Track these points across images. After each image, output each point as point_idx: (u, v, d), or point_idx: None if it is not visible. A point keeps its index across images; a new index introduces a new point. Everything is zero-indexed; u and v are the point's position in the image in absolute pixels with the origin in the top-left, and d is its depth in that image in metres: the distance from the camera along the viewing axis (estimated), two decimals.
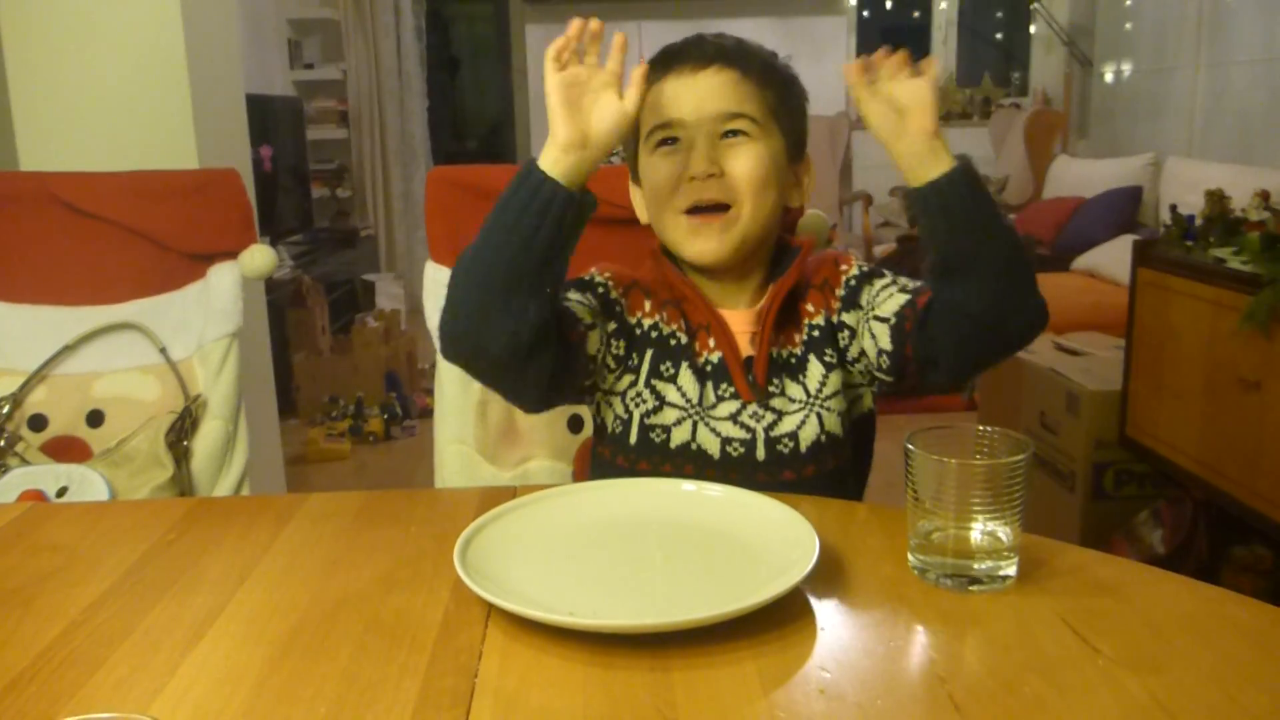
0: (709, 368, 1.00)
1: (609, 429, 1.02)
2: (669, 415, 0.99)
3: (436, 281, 1.29)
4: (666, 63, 1.01)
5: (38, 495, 1.22)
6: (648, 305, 1.03)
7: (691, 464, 0.98)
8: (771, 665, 0.65)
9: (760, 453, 0.97)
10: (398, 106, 5.40)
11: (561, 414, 1.28)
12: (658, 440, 0.99)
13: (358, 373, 3.75)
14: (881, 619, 0.71)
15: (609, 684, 0.64)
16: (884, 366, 0.99)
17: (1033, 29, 5.57)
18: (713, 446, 0.98)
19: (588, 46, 0.92)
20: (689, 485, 0.90)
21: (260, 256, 1.42)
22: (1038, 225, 4.35)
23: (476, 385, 1.26)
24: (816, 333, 1.01)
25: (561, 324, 0.93)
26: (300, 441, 3.39)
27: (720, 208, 0.98)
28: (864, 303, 1.01)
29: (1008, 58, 6.11)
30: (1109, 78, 4.80)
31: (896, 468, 0.86)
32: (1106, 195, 4.13)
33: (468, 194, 1.28)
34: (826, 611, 0.72)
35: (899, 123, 0.88)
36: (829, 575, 0.76)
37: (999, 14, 6.26)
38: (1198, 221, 2.18)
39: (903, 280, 1.01)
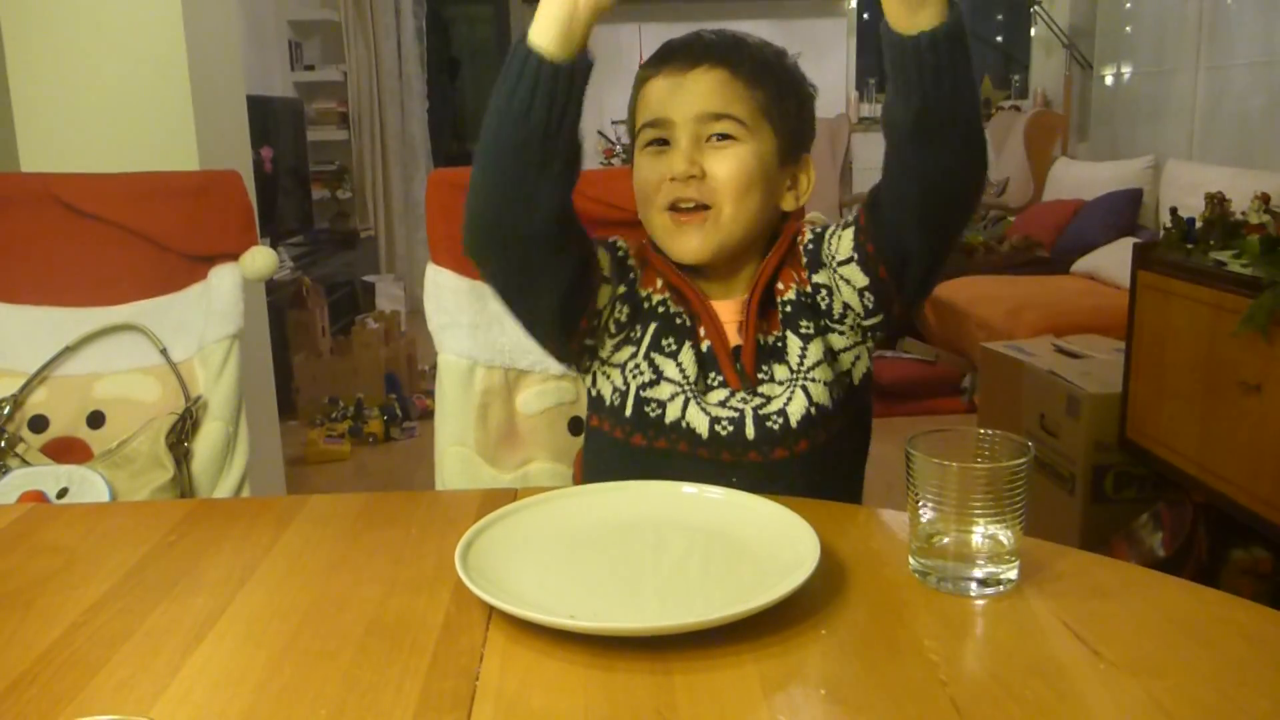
0: (701, 356, 1.01)
1: (607, 401, 1.03)
2: (664, 390, 1.00)
3: (437, 283, 1.29)
4: (660, 61, 1.01)
5: (38, 496, 1.22)
6: (659, 283, 1.04)
7: (684, 441, 0.99)
8: (773, 668, 0.65)
9: (750, 430, 0.98)
10: (398, 108, 5.40)
11: (561, 416, 1.28)
12: (652, 415, 1.00)
13: (358, 374, 3.75)
14: (883, 622, 0.71)
15: (610, 686, 0.64)
16: (870, 306, 0.98)
17: (1033, 31, 5.58)
18: (701, 426, 0.98)
19: None
20: (689, 488, 0.90)
21: (261, 258, 1.42)
22: (1038, 228, 4.35)
23: (477, 388, 1.26)
24: (789, 308, 1.01)
25: (587, 243, 0.95)
26: (300, 443, 3.39)
27: (701, 208, 0.98)
28: (825, 258, 1.01)
29: (1008, 60, 6.12)
30: (1109, 80, 4.80)
31: (896, 469, 0.86)
32: (1106, 198, 4.13)
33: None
34: (828, 615, 0.72)
35: None
36: (830, 578, 0.76)
37: (999, 16, 6.27)
38: (1198, 224, 2.18)
39: (843, 220, 1.01)
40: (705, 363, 1.01)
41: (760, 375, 1.00)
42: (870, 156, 5.72)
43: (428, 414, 3.56)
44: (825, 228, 1.03)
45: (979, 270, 4.02)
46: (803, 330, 1.00)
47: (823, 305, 1.01)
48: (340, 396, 3.65)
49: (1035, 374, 2.50)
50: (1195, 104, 4.01)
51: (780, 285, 1.02)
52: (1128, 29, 4.63)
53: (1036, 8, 5.09)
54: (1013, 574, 0.75)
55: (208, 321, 1.39)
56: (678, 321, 1.02)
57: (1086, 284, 3.73)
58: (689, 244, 0.99)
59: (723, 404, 0.99)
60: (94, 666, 0.68)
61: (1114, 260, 3.58)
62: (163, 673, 0.67)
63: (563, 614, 0.69)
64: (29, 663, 0.69)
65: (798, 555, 0.75)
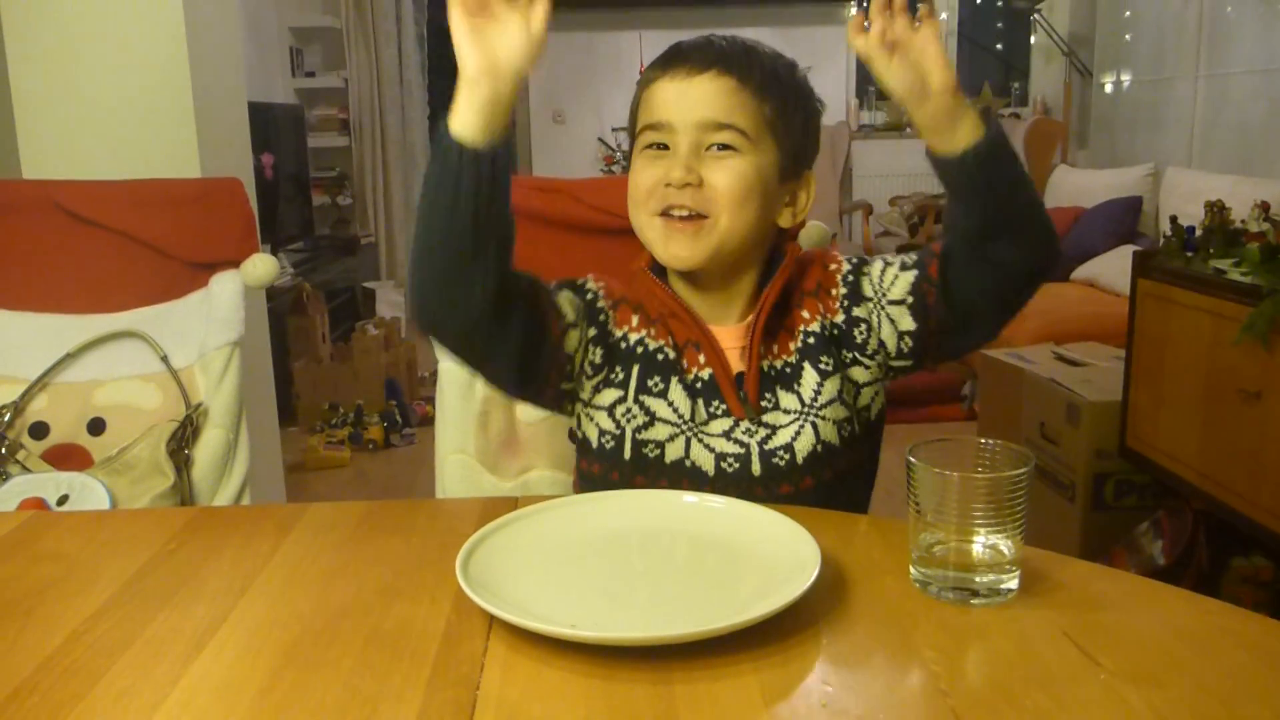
0: (699, 385, 0.98)
1: (596, 444, 1.00)
2: (661, 431, 0.98)
3: None
4: (667, 62, 0.99)
5: (38, 503, 1.22)
6: (635, 320, 1.01)
7: (687, 479, 0.97)
8: (774, 678, 0.65)
9: (756, 467, 0.96)
10: (399, 114, 5.40)
11: (562, 424, 1.28)
12: (651, 456, 0.98)
13: (358, 380, 3.75)
14: (883, 632, 0.71)
15: (611, 696, 0.64)
16: (905, 350, 0.98)
17: (1032, 39, 5.58)
18: (707, 463, 0.97)
19: None
20: (690, 497, 0.90)
21: (262, 266, 1.42)
22: None
23: (478, 395, 1.26)
24: (812, 340, 0.99)
25: (538, 299, 0.93)
26: (300, 449, 3.39)
27: (696, 216, 0.96)
28: (870, 292, 0.99)
29: (1007, 68, 6.13)
30: (1109, 88, 4.81)
31: (895, 477, 0.86)
32: (1106, 205, 4.13)
33: None
34: (828, 624, 0.72)
35: (921, 85, 0.85)
36: (831, 588, 0.76)
37: (999, 24, 6.28)
38: (1197, 232, 2.19)
39: (898, 259, 0.99)
40: (702, 393, 0.98)
41: (764, 403, 0.98)
42: (870, 164, 5.73)
43: (428, 420, 3.56)
44: (862, 260, 1.02)
45: None
46: (822, 365, 0.98)
47: (858, 338, 0.99)
48: (340, 403, 3.65)
49: (1035, 381, 2.50)
50: (1195, 112, 4.02)
51: (805, 314, 1.00)
52: (1127, 37, 4.64)
53: (1036, 15, 5.10)
54: (1013, 584, 0.75)
55: (208, 329, 1.39)
56: (659, 358, 0.99)
57: (1086, 291, 3.73)
58: (681, 250, 0.97)
59: (727, 435, 0.97)
60: (95, 675, 0.68)
61: (1114, 268, 3.58)
62: (163, 682, 0.67)
63: (564, 623, 0.69)
64: (29, 671, 0.69)
65: (798, 565, 0.75)
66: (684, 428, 0.97)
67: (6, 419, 1.34)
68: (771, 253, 1.03)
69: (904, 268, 0.98)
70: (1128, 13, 4.62)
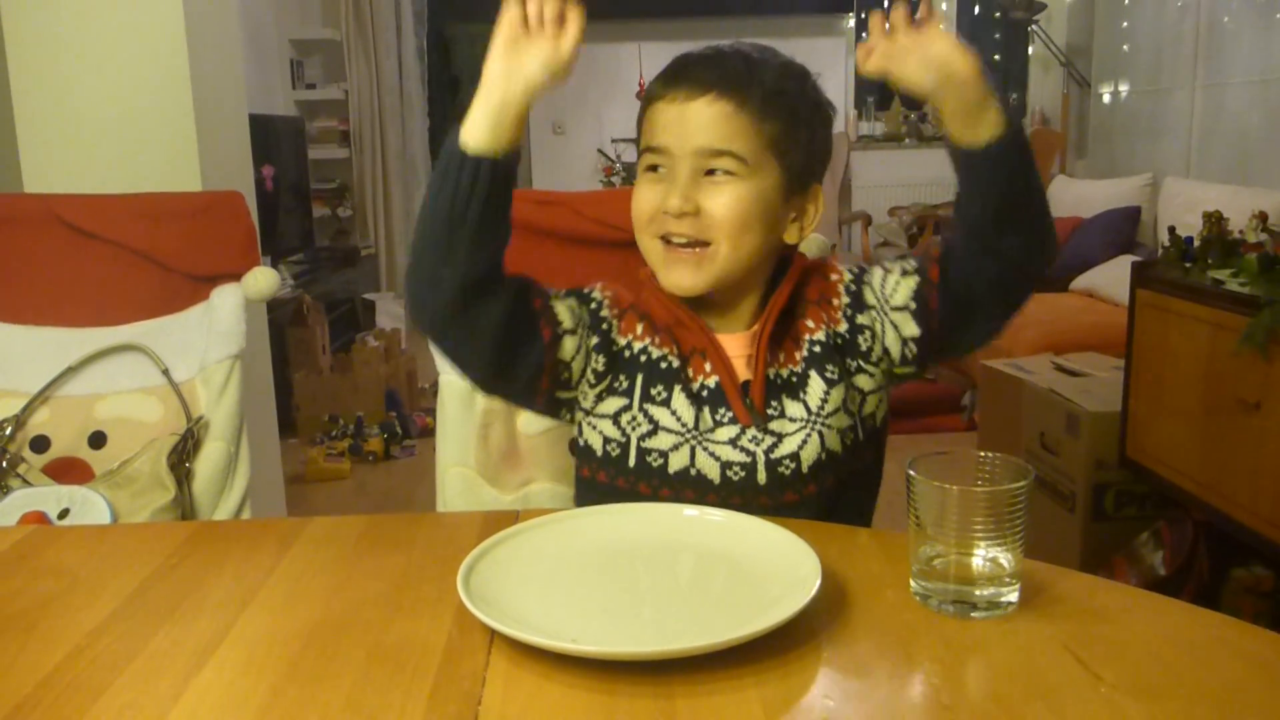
0: (705, 393, 0.99)
1: (600, 452, 1.00)
2: (664, 440, 0.98)
3: None
4: (668, 80, 0.98)
5: (39, 517, 1.22)
6: (640, 329, 1.01)
7: (691, 489, 0.97)
8: (775, 693, 0.65)
9: (761, 476, 0.96)
10: (399, 126, 5.42)
11: (563, 436, 1.28)
12: (655, 464, 0.98)
13: (358, 392, 3.75)
14: (884, 645, 0.72)
15: (612, 711, 0.64)
16: (909, 356, 0.98)
17: (1030, 50, 5.60)
18: (712, 471, 0.97)
19: None
20: (691, 510, 0.90)
21: (263, 279, 1.42)
22: None
23: (479, 407, 1.27)
24: (818, 348, 0.99)
25: (527, 300, 0.95)
26: (300, 460, 3.39)
27: (698, 244, 0.96)
28: (872, 300, 0.99)
29: (1006, 78, 6.14)
30: (1107, 98, 4.82)
31: (895, 488, 0.87)
32: (1104, 216, 4.14)
33: None
34: (829, 638, 0.72)
35: (946, 76, 0.85)
36: (831, 601, 0.76)
37: (997, 35, 6.30)
38: (1196, 243, 2.19)
39: (898, 265, 1.00)
40: (708, 401, 0.98)
41: (770, 411, 0.98)
42: (869, 174, 5.74)
43: (428, 432, 3.56)
44: (863, 268, 1.02)
45: None
46: (828, 374, 0.98)
47: (862, 346, 0.99)
48: (340, 414, 3.65)
49: (1035, 392, 2.50)
50: (1193, 122, 4.03)
51: (810, 323, 1.00)
52: (1125, 47, 4.66)
53: (1034, 26, 5.12)
54: (1013, 597, 0.75)
55: (210, 342, 1.40)
56: (663, 366, 0.99)
57: (1085, 301, 3.73)
58: (683, 279, 0.97)
59: (733, 443, 0.97)
60: (97, 691, 0.68)
61: (1112, 278, 3.59)
62: (166, 697, 0.67)
63: (565, 638, 0.69)
64: (31, 687, 0.69)
65: (799, 578, 0.75)
66: (688, 436, 0.98)
67: (8, 433, 1.34)
68: (777, 262, 1.03)
69: (905, 274, 0.98)
70: (1125, 23, 4.64)
